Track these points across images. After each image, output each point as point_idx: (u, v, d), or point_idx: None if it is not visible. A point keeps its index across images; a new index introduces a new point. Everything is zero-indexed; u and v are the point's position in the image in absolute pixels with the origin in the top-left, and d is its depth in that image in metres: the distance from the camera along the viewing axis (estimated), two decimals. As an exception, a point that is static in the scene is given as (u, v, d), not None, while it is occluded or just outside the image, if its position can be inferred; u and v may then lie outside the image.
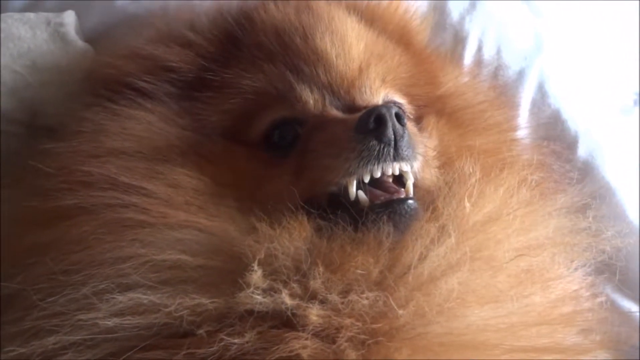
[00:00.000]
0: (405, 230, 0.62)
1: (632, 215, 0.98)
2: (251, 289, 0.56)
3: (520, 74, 1.03)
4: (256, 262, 0.57)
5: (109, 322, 0.56)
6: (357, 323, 0.56)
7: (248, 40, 0.78)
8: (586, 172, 0.99)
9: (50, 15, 0.85)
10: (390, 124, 0.64)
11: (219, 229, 0.62)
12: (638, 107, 1.20)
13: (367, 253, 0.59)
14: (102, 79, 0.76)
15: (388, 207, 0.63)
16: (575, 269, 0.75)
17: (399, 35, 0.88)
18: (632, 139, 1.08)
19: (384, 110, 0.64)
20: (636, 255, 0.95)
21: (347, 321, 0.56)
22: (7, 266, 0.67)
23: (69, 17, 0.86)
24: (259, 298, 0.56)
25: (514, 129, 0.95)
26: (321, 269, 0.58)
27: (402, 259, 0.60)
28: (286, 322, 0.57)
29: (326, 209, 0.64)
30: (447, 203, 0.67)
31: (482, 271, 0.62)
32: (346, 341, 0.56)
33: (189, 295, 0.56)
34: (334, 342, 0.56)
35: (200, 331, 0.55)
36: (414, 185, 0.68)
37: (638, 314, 0.95)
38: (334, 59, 0.74)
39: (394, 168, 0.65)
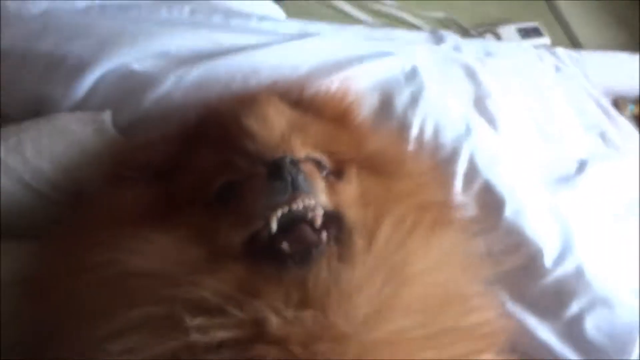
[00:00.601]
0: (316, 262, 0.78)
1: (548, 263, 1.18)
2: (193, 331, 0.70)
3: (454, 152, 1.28)
4: (187, 308, 0.72)
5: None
6: (302, 333, 0.71)
7: (204, 130, 1.02)
8: (510, 229, 1.21)
9: (95, 114, 1.12)
10: (285, 168, 0.81)
11: (176, 278, 0.76)
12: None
13: (284, 286, 0.76)
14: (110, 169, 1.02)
15: (304, 251, 0.81)
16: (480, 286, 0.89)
17: (332, 115, 1.09)
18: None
19: (279, 160, 0.83)
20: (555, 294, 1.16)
21: (295, 331, 0.72)
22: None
23: (108, 116, 1.12)
24: (200, 337, 0.70)
25: (437, 179, 1.14)
26: (250, 299, 0.73)
27: (321, 282, 0.77)
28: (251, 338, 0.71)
29: (264, 251, 0.83)
30: (357, 233, 0.85)
31: (394, 285, 0.76)
32: (296, 345, 0.70)
33: (161, 338, 0.71)
34: (287, 347, 0.70)
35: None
36: (337, 216, 0.88)
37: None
38: (257, 131, 0.93)
39: (297, 203, 0.81)
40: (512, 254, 1.22)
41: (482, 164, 1.29)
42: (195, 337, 0.70)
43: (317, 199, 0.85)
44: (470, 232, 1.05)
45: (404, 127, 1.30)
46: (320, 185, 0.89)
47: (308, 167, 0.89)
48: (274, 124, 0.96)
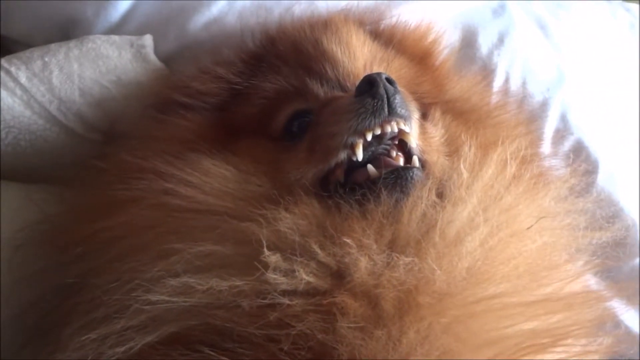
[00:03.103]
0: (409, 193, 0.68)
1: None
2: (271, 271, 0.62)
3: (544, 104, 1.12)
4: (265, 245, 0.63)
5: (165, 300, 0.62)
6: (395, 283, 0.62)
7: (269, 54, 0.90)
8: (603, 196, 1.05)
9: (133, 37, 0.97)
10: (381, 84, 0.71)
11: (241, 213, 0.68)
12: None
13: (373, 223, 0.66)
14: (156, 99, 0.90)
15: (395, 174, 0.70)
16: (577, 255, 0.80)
17: (414, 53, 0.97)
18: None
19: (374, 75, 0.73)
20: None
21: (386, 280, 0.62)
22: (57, 256, 0.76)
23: (149, 40, 0.97)
24: (281, 279, 0.62)
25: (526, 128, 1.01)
26: (330, 241, 0.64)
27: (418, 219, 0.66)
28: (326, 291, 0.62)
29: (343, 186, 0.71)
30: (453, 175, 0.73)
31: (499, 237, 0.68)
32: (387, 299, 0.61)
33: (225, 279, 0.63)
34: (375, 302, 0.61)
35: (244, 304, 0.61)
36: (422, 164, 0.75)
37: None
38: (340, 58, 0.84)
39: (392, 125, 0.71)
40: (604, 226, 1.07)
41: (575, 119, 1.13)
42: (271, 278, 0.62)
43: (412, 128, 0.74)
44: (570, 194, 0.90)
45: (487, 70, 1.12)
46: (416, 112, 0.77)
47: (403, 90, 0.77)
48: (357, 52, 0.85)
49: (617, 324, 0.96)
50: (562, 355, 0.67)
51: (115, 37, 0.97)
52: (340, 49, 0.84)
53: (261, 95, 0.84)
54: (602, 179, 1.08)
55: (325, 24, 0.90)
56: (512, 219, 0.71)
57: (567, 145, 1.11)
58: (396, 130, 0.72)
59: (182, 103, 0.86)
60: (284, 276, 0.62)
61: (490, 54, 1.14)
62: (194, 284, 0.63)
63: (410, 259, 0.63)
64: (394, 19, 1.01)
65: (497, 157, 0.77)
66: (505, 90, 1.12)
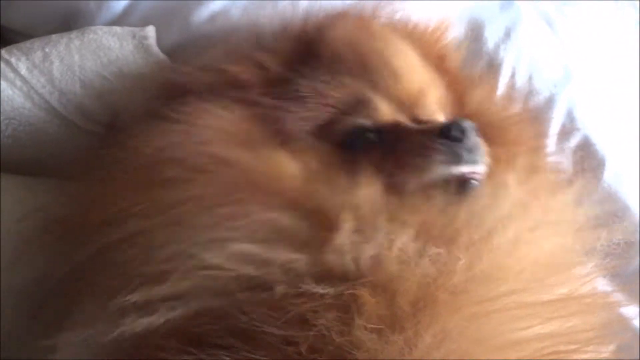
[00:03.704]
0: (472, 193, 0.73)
1: None
2: (341, 242, 0.63)
3: (550, 100, 1.10)
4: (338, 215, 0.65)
5: (219, 265, 0.62)
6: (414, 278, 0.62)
7: (324, 54, 0.86)
8: (609, 193, 1.05)
9: (135, 29, 0.95)
10: (472, 135, 0.76)
11: (310, 190, 0.69)
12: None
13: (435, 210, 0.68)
14: (184, 85, 0.84)
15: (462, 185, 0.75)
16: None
17: (438, 62, 0.95)
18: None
19: (466, 125, 0.77)
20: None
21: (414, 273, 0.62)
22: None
23: (151, 32, 0.95)
24: (344, 256, 0.62)
25: (541, 142, 1.03)
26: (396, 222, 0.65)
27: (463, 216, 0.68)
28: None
29: None
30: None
31: (514, 243, 0.69)
32: (403, 297, 0.61)
33: (283, 252, 0.62)
34: (392, 297, 0.61)
35: (279, 288, 0.61)
36: None
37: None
38: (404, 77, 0.84)
39: (471, 170, 0.76)
40: (611, 224, 1.05)
41: (581, 115, 1.11)
42: (337, 250, 0.64)
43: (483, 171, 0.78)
44: (579, 197, 0.90)
45: (493, 65, 1.10)
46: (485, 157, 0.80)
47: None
48: (415, 71, 0.87)
49: (627, 327, 0.96)
50: None
51: (117, 29, 0.95)
52: (404, 68, 0.85)
53: (320, 102, 0.82)
54: (609, 176, 1.07)
55: (376, 31, 0.90)
56: (526, 226, 0.72)
57: (574, 141, 1.09)
58: (470, 175, 0.76)
59: (218, 94, 0.82)
60: (346, 253, 0.63)
61: (497, 48, 1.12)
62: (255, 251, 0.63)
63: (439, 250, 0.64)
64: (402, 15, 0.99)
65: (520, 167, 0.82)
66: (511, 85, 1.11)
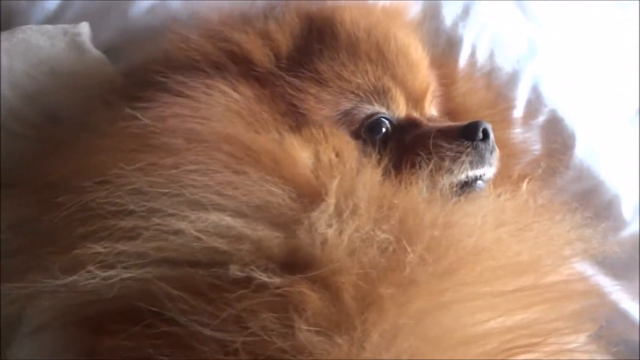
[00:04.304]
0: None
1: (627, 213, 1.00)
2: (314, 222, 0.60)
3: (514, 76, 1.06)
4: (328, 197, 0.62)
5: (189, 232, 0.59)
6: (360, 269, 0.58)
7: (340, 35, 0.84)
8: (582, 170, 1.02)
9: (67, 26, 0.90)
10: (491, 137, 0.79)
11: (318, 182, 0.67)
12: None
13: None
14: (188, 57, 0.80)
15: (468, 184, 0.78)
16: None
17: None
18: (633, 143, 1.10)
19: (488, 127, 0.79)
20: (630, 249, 0.97)
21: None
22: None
23: (85, 28, 0.91)
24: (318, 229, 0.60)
25: (507, 125, 1.00)
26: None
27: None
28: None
29: None
30: None
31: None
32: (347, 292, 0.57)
33: (260, 230, 0.60)
34: (336, 293, 0.57)
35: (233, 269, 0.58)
36: None
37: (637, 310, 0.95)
38: (420, 72, 0.85)
39: (485, 171, 0.79)
40: (585, 202, 1.01)
41: (548, 91, 1.07)
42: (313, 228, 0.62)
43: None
44: (545, 185, 0.92)
45: (452, 44, 1.06)
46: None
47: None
48: (426, 66, 0.89)
49: (615, 312, 0.93)
50: (549, 355, 0.62)
51: (48, 27, 0.90)
52: (419, 61, 0.87)
53: (340, 86, 0.81)
54: (581, 151, 1.03)
55: (403, 21, 0.92)
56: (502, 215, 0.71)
57: (542, 118, 1.05)
58: (480, 175, 0.79)
59: (223, 68, 0.78)
60: (316, 235, 0.60)
61: (455, 25, 1.08)
62: (234, 224, 0.60)
63: (387, 235, 0.61)
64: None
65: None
66: (471, 63, 1.07)
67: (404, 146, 0.79)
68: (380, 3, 0.96)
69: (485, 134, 0.79)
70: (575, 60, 1.17)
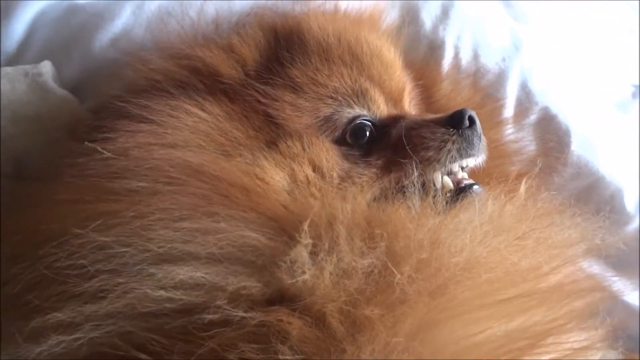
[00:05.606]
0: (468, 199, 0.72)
1: (630, 206, 0.96)
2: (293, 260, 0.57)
3: (500, 75, 1.02)
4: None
5: (159, 294, 0.55)
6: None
7: (309, 42, 0.81)
8: (580, 167, 0.98)
9: (28, 67, 0.87)
10: (478, 123, 0.77)
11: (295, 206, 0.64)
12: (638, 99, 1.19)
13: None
14: (149, 78, 0.76)
15: (464, 190, 0.74)
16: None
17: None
18: (631, 131, 1.07)
19: (473, 113, 0.77)
20: (635, 243, 0.93)
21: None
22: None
23: (46, 67, 0.87)
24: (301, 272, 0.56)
25: (498, 125, 0.96)
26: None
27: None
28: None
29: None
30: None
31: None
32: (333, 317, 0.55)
33: (238, 277, 0.56)
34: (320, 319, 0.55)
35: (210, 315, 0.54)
36: None
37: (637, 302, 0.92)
38: (396, 72, 0.83)
39: (475, 160, 0.78)
40: (586, 198, 0.98)
41: (537, 87, 1.03)
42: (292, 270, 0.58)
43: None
44: (544, 185, 0.87)
45: (435, 47, 1.02)
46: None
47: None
48: (400, 66, 0.87)
49: (618, 304, 0.90)
50: (552, 355, 0.60)
51: (8, 69, 0.86)
52: (396, 62, 0.85)
53: (315, 92, 0.77)
54: (577, 147, 0.99)
55: (372, 25, 0.90)
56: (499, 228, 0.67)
57: (534, 117, 1.01)
58: (470, 164, 0.78)
59: (189, 87, 0.74)
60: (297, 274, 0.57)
61: (435, 28, 1.04)
62: (208, 277, 0.56)
63: (371, 260, 0.58)
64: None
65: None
66: (456, 66, 1.03)
67: (390, 144, 0.77)
68: (346, 8, 0.92)
69: (472, 121, 0.77)
70: (561, 50, 1.14)
